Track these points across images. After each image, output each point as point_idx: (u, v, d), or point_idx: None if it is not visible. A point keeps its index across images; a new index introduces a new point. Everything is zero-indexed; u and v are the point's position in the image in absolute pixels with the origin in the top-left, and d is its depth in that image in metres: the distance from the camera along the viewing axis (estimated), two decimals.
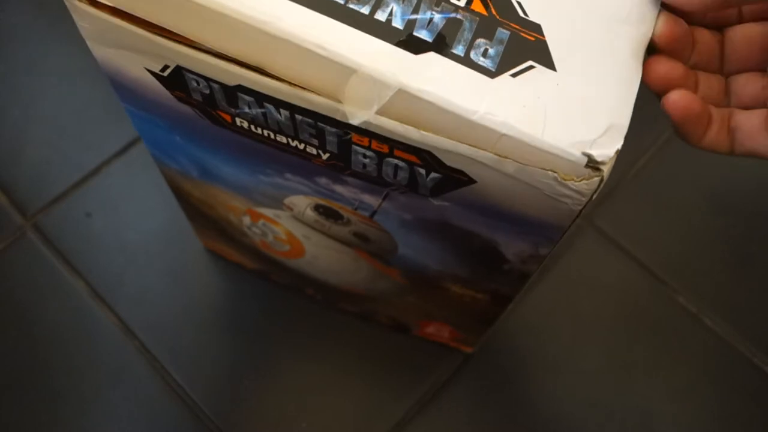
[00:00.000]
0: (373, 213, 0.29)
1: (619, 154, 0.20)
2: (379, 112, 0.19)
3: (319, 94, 0.21)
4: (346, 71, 0.20)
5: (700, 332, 0.46)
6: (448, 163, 0.23)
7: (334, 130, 0.24)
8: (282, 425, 0.44)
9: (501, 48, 0.20)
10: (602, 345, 0.46)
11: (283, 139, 0.26)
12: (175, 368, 0.45)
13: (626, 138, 0.20)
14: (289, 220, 0.35)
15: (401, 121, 0.20)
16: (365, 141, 0.24)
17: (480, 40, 0.20)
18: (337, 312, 0.46)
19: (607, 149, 0.20)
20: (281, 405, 0.44)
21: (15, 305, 0.47)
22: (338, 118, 0.23)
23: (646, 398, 0.44)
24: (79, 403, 0.44)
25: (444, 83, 0.20)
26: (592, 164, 0.20)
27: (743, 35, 0.25)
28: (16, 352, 0.45)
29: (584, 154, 0.20)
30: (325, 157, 0.26)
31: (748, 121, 0.24)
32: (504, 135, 0.19)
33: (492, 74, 0.20)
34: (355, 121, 0.20)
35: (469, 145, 0.20)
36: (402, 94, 0.19)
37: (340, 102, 0.21)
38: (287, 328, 0.46)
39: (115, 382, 0.45)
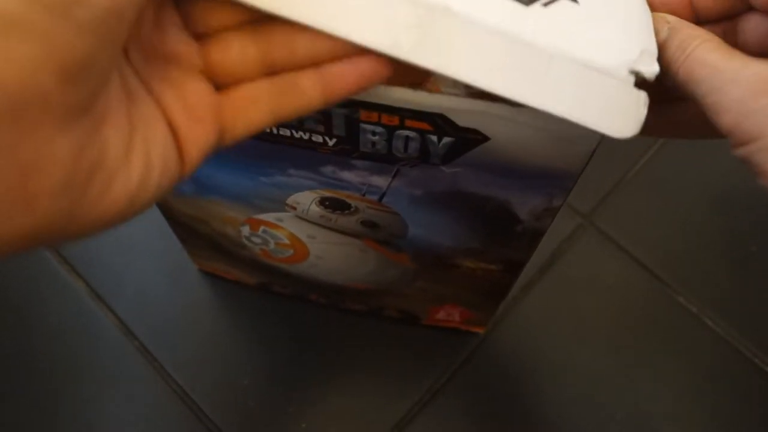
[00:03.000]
0: (382, 195, 0.29)
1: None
2: (419, 49, 0.19)
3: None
4: None
5: (700, 332, 0.46)
6: (461, 123, 0.23)
7: (341, 111, 0.24)
8: (281, 425, 0.44)
9: None
10: (602, 345, 0.46)
11: (287, 132, 0.26)
12: (175, 368, 0.45)
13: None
14: (292, 222, 0.34)
15: (440, 56, 0.19)
16: (374, 116, 0.24)
17: None
18: (342, 312, 0.46)
19: (650, 67, 0.20)
20: (281, 405, 0.44)
21: (15, 305, 0.46)
22: None
23: (646, 398, 0.44)
24: (78, 403, 0.44)
25: (486, 7, 0.20)
26: (640, 81, 0.20)
27: None
28: (16, 352, 0.45)
29: (632, 71, 0.20)
30: (331, 143, 0.26)
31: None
32: (555, 56, 0.20)
33: (525, 2, 0.20)
34: (398, 53, 0.19)
35: (516, 74, 0.20)
36: (446, 17, 0.19)
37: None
38: (287, 328, 0.46)
39: (115, 382, 0.44)
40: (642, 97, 0.20)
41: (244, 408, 0.44)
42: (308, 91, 0.20)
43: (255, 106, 0.20)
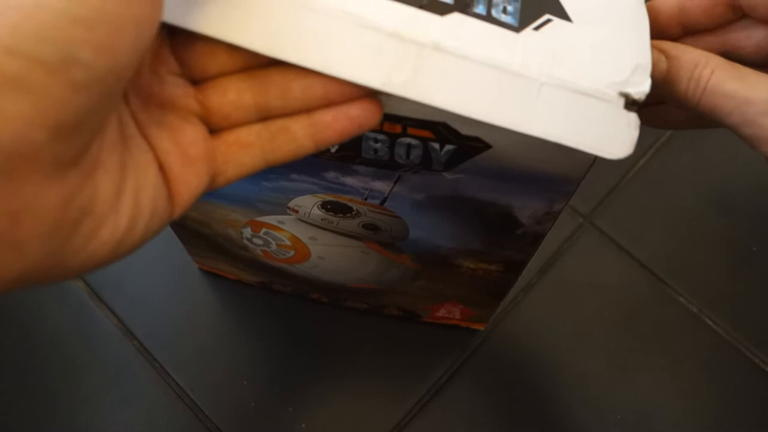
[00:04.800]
0: (384, 200, 0.30)
1: None
2: (410, 84, 0.19)
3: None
4: (376, 37, 0.19)
5: (700, 332, 0.46)
6: (463, 131, 0.23)
7: None
8: (281, 426, 0.44)
9: (518, 4, 0.21)
10: (602, 345, 0.46)
11: None
12: (175, 369, 0.45)
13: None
14: (293, 224, 0.34)
15: (432, 91, 0.20)
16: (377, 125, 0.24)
17: None
18: (342, 310, 0.46)
19: (639, 87, 0.20)
20: (281, 405, 0.44)
21: (15, 305, 0.47)
22: None
23: (647, 398, 0.45)
24: (78, 403, 0.44)
25: (475, 40, 0.20)
26: (630, 102, 0.20)
27: None
28: (16, 352, 0.45)
29: (621, 93, 0.20)
30: (334, 150, 0.26)
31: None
32: (544, 84, 0.20)
33: (516, 29, 0.20)
34: (391, 89, 0.19)
35: (507, 103, 0.20)
36: (436, 53, 0.19)
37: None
38: (287, 328, 0.46)
39: (115, 382, 0.45)
40: (632, 119, 0.20)
41: (244, 408, 0.44)
42: (299, 137, 0.20)
43: (247, 151, 0.20)
